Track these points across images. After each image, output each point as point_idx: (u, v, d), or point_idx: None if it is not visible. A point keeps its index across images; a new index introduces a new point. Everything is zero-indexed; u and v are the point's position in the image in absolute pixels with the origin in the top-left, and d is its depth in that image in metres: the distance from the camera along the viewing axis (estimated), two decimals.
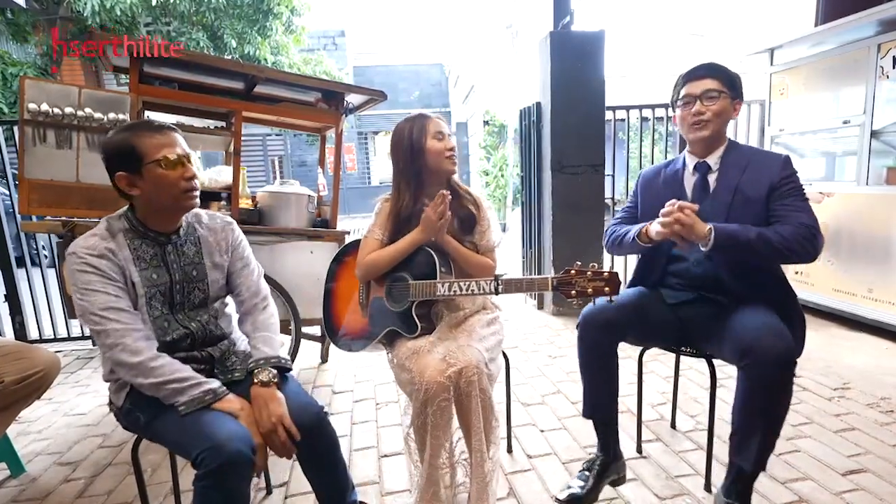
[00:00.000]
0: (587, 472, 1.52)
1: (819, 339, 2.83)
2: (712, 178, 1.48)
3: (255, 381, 1.17)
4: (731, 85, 1.43)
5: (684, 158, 1.56)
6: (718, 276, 1.44)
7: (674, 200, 1.34)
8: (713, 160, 1.48)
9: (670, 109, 1.57)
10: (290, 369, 1.28)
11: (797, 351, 1.40)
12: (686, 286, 1.51)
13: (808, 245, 1.31)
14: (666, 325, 1.52)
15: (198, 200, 1.22)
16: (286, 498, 1.59)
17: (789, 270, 3.24)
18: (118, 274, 1.15)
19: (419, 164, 1.48)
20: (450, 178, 1.55)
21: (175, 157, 1.16)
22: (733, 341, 1.30)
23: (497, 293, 1.34)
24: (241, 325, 1.36)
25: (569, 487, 1.52)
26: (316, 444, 1.21)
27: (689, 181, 1.52)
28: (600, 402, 1.51)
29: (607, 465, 1.51)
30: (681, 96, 1.48)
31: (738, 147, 1.49)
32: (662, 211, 1.35)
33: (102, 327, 1.10)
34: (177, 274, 1.24)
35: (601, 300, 1.42)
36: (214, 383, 1.14)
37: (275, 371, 1.20)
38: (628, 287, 1.64)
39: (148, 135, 1.15)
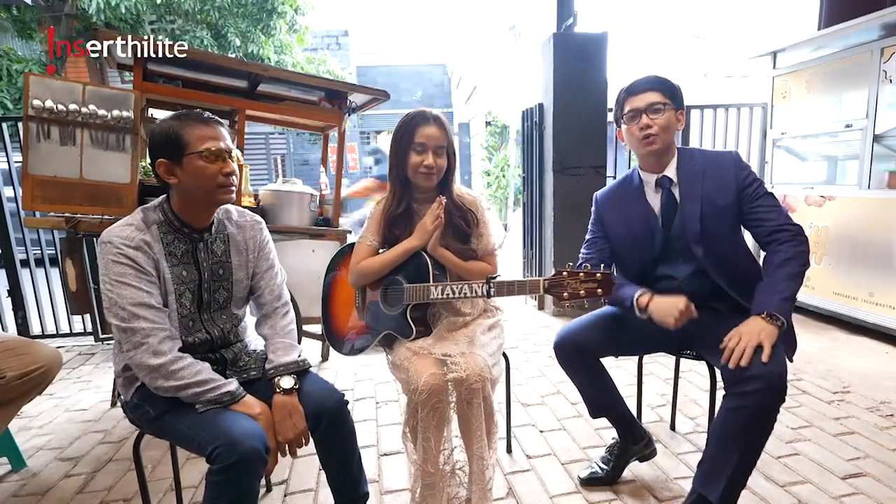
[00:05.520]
0: (609, 456, 1.61)
1: (819, 342, 2.83)
2: (676, 191, 1.45)
3: (278, 389, 1.18)
4: (672, 96, 1.41)
5: (639, 175, 1.51)
6: (709, 290, 1.41)
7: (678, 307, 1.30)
8: (671, 172, 1.45)
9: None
10: (309, 368, 1.29)
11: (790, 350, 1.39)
12: None
13: (807, 249, 1.34)
14: (661, 334, 1.46)
15: (233, 196, 1.22)
16: (286, 496, 1.60)
17: None
18: (152, 268, 1.14)
19: (404, 168, 1.46)
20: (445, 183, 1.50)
21: (217, 150, 1.15)
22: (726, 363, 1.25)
23: (489, 296, 1.33)
24: (259, 327, 1.35)
25: (590, 468, 1.61)
26: (336, 431, 1.23)
27: (654, 198, 1.48)
28: (599, 403, 1.56)
29: (626, 449, 1.59)
30: (625, 111, 1.45)
31: (688, 153, 1.47)
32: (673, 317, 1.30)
33: (129, 324, 1.08)
34: (206, 272, 1.24)
35: (574, 323, 1.51)
36: (233, 385, 1.14)
37: (295, 377, 1.22)
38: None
39: (195, 125, 1.15)
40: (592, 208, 1.62)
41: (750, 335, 1.22)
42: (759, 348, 1.20)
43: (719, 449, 1.24)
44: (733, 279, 1.40)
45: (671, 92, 1.42)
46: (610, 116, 3.50)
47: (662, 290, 1.48)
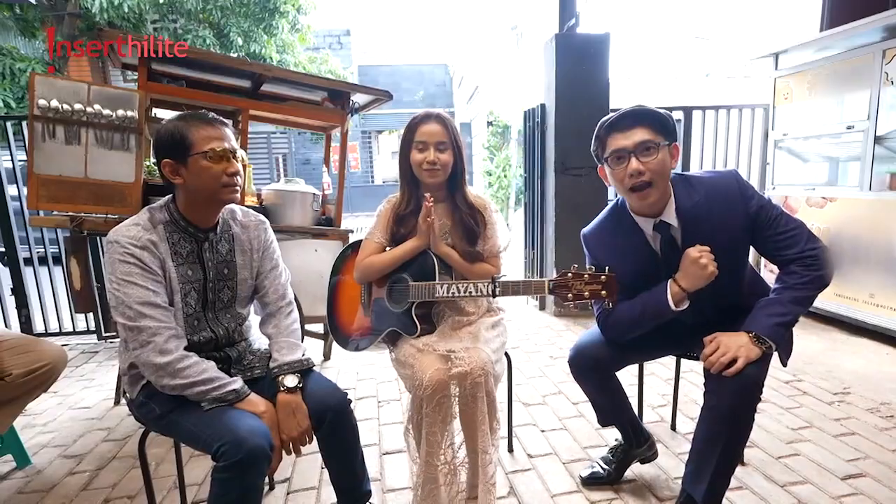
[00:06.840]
0: (611, 457, 1.60)
1: (820, 343, 2.83)
2: (678, 235, 1.29)
3: (282, 387, 1.19)
4: (665, 131, 1.22)
5: (633, 220, 1.34)
6: (710, 323, 1.37)
7: None
8: (671, 218, 1.28)
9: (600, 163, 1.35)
10: (313, 367, 1.30)
11: (787, 354, 1.37)
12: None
13: (828, 273, 1.24)
14: (675, 337, 1.46)
15: (237, 196, 1.23)
16: (288, 493, 1.61)
17: None
18: (158, 267, 1.15)
19: (408, 167, 1.49)
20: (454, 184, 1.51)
21: (221, 150, 1.16)
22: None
23: (494, 295, 1.34)
24: (263, 326, 1.37)
25: (592, 467, 1.61)
26: (339, 430, 1.24)
27: (653, 238, 1.33)
28: (609, 412, 1.57)
29: (629, 451, 1.59)
30: (608, 151, 1.25)
31: (686, 187, 1.29)
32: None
33: (136, 323, 1.09)
34: (211, 272, 1.25)
35: (588, 335, 1.48)
36: (238, 383, 1.16)
37: (300, 375, 1.23)
38: None
39: (200, 126, 1.16)
40: (584, 249, 1.47)
41: (727, 347, 1.18)
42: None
43: (701, 448, 1.25)
44: (730, 316, 1.34)
45: (662, 126, 1.22)
46: None
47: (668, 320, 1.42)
